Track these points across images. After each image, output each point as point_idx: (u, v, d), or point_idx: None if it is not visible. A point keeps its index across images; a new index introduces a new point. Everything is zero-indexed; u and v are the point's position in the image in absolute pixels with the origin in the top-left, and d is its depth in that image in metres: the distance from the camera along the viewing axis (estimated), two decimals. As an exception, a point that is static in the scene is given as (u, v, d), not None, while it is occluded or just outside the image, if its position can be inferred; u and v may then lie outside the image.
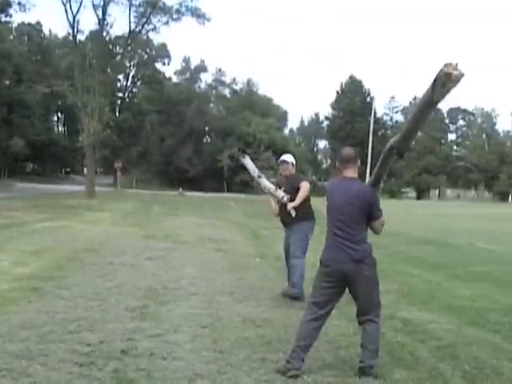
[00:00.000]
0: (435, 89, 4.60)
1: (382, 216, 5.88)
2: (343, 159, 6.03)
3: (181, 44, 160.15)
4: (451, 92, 4.62)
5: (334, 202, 5.91)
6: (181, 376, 5.33)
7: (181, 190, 59.42)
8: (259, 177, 9.63)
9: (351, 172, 6.00)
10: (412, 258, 15.43)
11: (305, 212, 9.25)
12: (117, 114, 77.21)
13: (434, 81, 4.58)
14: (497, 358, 6.29)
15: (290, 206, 9.12)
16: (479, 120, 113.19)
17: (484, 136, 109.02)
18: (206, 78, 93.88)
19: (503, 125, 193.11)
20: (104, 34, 45.48)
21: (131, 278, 10.39)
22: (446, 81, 4.52)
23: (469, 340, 7.01)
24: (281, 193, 9.33)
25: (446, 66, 4.49)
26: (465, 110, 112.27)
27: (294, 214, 9.08)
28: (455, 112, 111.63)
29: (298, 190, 9.19)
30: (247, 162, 9.83)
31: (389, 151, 5.46)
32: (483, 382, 5.51)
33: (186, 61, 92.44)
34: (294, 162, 9.73)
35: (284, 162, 9.65)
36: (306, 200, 9.29)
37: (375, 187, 5.91)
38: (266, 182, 9.71)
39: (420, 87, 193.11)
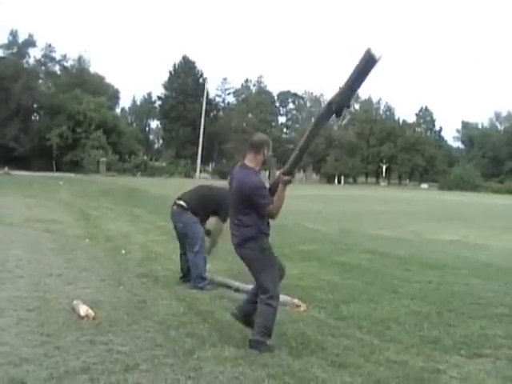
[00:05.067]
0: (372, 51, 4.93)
1: (269, 204, 5.84)
2: (248, 145, 6.18)
3: (7, 16, 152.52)
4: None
5: (231, 189, 6.13)
6: (5, 361, 5.12)
7: (6, 168, 57.21)
8: None
9: (249, 159, 6.10)
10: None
11: None
12: None
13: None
14: (321, 334, 6.54)
15: None
16: (308, 104, 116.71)
17: (313, 120, 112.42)
18: (35, 54, 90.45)
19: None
20: None
21: (-49, 260, 9.88)
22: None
23: (295, 317, 7.24)
24: None
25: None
26: (295, 94, 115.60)
27: None
28: (285, 95, 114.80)
29: None
30: None
31: (327, 108, 5.56)
32: (309, 356, 5.71)
33: (14, 34, 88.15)
34: None
35: None
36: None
37: (293, 168, 5.97)
38: None
39: (252, 71, 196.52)
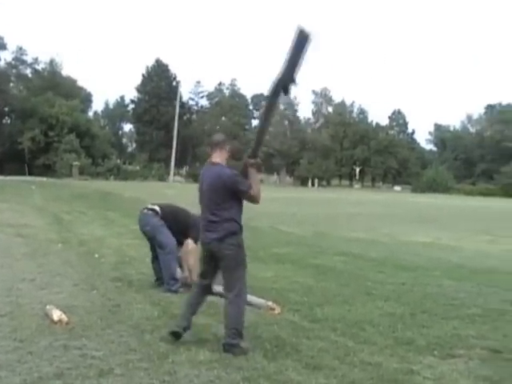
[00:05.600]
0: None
1: (250, 188, 6.10)
2: (210, 144, 6.50)
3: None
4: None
5: (202, 187, 6.31)
6: (-23, 368, 5.08)
7: (-23, 173, 56.62)
8: None
9: (215, 157, 6.35)
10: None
11: None
12: None
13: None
14: (296, 337, 6.55)
15: None
16: (282, 107, 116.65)
17: (286, 123, 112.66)
18: (6, 57, 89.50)
19: (304, 113, 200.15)
20: None
21: None
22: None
23: (270, 320, 7.24)
24: None
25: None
26: (268, 97, 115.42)
27: None
28: (259, 98, 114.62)
29: None
30: None
31: (274, 87, 5.88)
32: (283, 359, 5.72)
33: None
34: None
35: None
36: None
37: (257, 150, 6.31)
38: None
39: (225, 74, 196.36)
